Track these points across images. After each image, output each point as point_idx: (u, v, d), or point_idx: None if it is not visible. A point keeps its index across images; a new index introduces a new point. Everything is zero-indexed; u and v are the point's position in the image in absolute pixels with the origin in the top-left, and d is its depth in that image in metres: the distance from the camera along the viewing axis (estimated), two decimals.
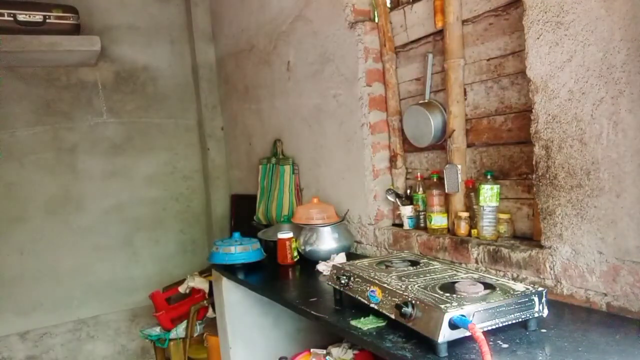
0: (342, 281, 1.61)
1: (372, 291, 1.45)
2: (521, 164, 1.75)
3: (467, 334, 1.15)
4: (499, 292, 1.31)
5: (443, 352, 1.18)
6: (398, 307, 1.30)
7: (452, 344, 1.19)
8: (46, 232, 3.46)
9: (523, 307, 1.27)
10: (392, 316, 1.34)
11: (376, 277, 1.50)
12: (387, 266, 1.66)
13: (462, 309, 1.18)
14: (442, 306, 1.19)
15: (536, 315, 1.28)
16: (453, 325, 1.15)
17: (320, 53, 2.59)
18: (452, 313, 1.16)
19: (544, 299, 1.29)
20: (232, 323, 2.47)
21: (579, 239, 1.44)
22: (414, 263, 1.69)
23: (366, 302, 1.47)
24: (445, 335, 1.16)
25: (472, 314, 1.18)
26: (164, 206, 3.87)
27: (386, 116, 2.33)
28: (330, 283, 1.70)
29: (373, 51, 2.30)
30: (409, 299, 1.29)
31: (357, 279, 1.56)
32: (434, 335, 1.17)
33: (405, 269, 1.62)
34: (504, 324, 1.24)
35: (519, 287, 1.33)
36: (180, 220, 3.94)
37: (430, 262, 1.71)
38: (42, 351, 3.47)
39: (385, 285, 1.42)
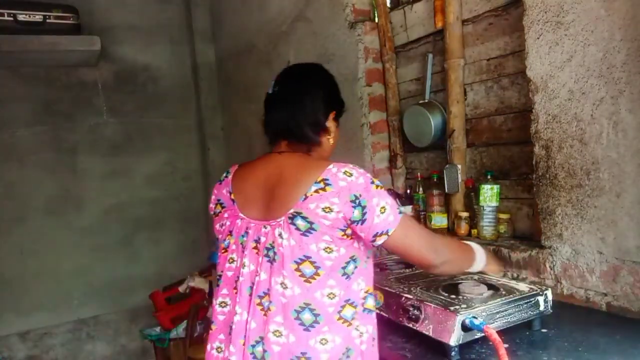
0: None
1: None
2: (521, 164, 1.75)
3: (476, 336, 1.15)
4: (503, 292, 1.30)
5: (456, 356, 1.16)
6: (405, 310, 1.28)
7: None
8: (46, 232, 3.46)
9: (529, 307, 1.27)
10: (398, 320, 1.33)
11: (375, 280, 1.48)
12: (381, 269, 1.65)
13: (473, 310, 1.17)
14: (453, 308, 1.18)
15: (541, 315, 1.28)
16: (466, 328, 1.14)
17: (320, 53, 2.59)
18: (464, 315, 1.15)
19: (548, 299, 1.29)
20: None
21: (579, 239, 1.44)
22: (409, 265, 1.67)
23: None
24: (458, 337, 1.15)
25: (482, 315, 1.18)
26: (164, 206, 3.87)
27: (386, 116, 2.33)
28: None
29: (373, 51, 2.30)
30: (416, 302, 1.27)
31: None
32: (446, 338, 1.15)
33: (401, 271, 1.61)
34: (511, 325, 1.23)
35: (523, 287, 1.33)
36: (180, 220, 3.93)
37: None
38: (42, 351, 3.47)
39: (386, 288, 1.40)
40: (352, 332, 1.09)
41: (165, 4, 3.86)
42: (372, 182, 1.10)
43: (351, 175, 1.08)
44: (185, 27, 3.93)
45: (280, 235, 1.09)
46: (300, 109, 1.21)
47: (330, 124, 1.25)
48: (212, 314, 1.21)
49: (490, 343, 1.08)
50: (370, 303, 1.13)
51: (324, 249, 1.07)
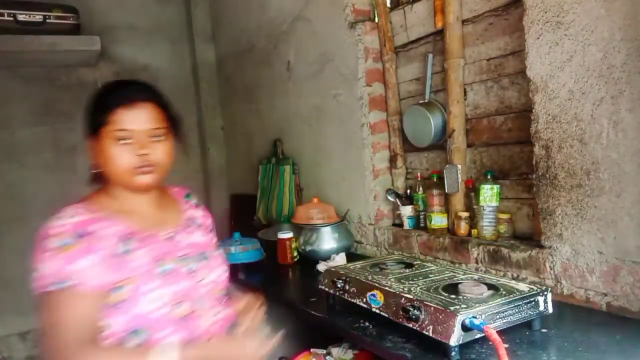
0: (339, 285, 1.58)
1: (372, 294, 1.43)
2: (521, 164, 1.75)
3: (476, 336, 1.15)
4: (503, 292, 1.30)
5: (456, 356, 1.16)
6: (405, 310, 1.28)
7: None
8: None
9: (529, 307, 1.27)
10: (397, 320, 1.33)
11: (375, 280, 1.48)
12: (381, 269, 1.64)
13: (473, 310, 1.17)
14: (453, 308, 1.18)
15: (541, 315, 1.28)
16: (466, 328, 1.14)
17: (320, 53, 2.59)
18: (464, 315, 1.15)
19: (548, 299, 1.29)
20: None
21: (579, 238, 1.44)
22: (408, 265, 1.67)
23: (366, 306, 1.45)
24: (458, 337, 1.15)
25: (481, 315, 1.18)
26: None
27: (386, 116, 2.33)
28: (324, 287, 1.66)
29: (373, 51, 2.30)
30: (415, 302, 1.27)
31: (354, 283, 1.53)
32: (446, 338, 1.15)
33: (401, 271, 1.60)
34: (511, 325, 1.23)
35: (522, 286, 1.33)
36: None
37: (424, 263, 1.70)
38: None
39: (386, 288, 1.40)
40: None
41: (165, 4, 3.86)
42: (45, 238, 1.13)
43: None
44: (185, 27, 3.93)
45: None
46: None
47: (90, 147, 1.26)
48: None
49: (490, 343, 1.08)
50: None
51: None
